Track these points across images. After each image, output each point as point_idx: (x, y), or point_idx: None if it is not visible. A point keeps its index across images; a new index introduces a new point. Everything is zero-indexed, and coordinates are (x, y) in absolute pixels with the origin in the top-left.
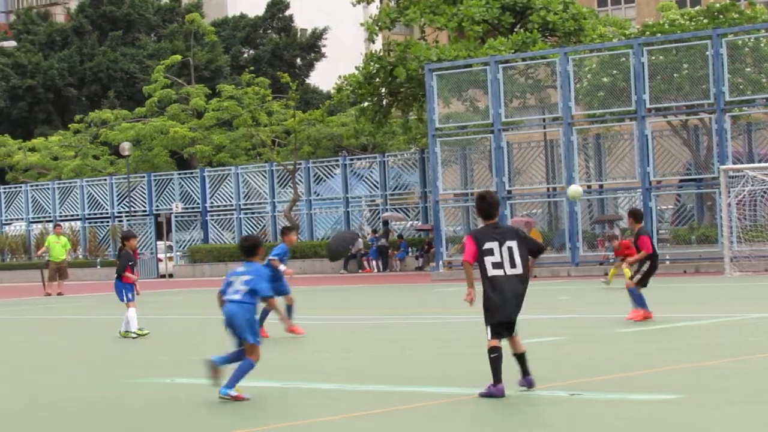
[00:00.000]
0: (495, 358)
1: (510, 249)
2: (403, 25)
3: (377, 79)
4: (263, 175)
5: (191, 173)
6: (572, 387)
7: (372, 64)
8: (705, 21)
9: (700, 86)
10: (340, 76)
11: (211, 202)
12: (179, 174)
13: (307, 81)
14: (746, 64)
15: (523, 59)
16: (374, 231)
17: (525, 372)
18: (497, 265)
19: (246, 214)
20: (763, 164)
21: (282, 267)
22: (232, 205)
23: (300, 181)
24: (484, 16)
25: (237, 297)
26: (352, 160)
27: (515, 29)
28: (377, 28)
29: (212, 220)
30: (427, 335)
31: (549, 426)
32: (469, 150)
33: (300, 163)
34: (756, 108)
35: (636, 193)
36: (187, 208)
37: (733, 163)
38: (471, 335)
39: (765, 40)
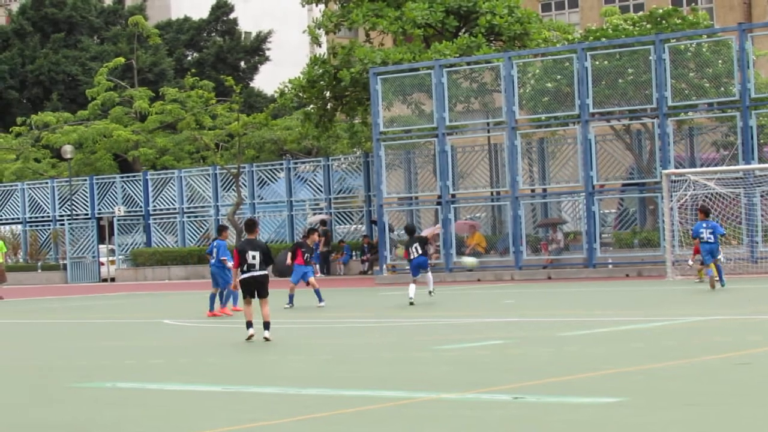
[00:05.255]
0: None
1: None
2: (347, 29)
3: (321, 83)
4: (206, 179)
5: (134, 176)
6: (515, 390)
7: (316, 67)
8: (648, 26)
9: (643, 91)
10: (282, 82)
11: (154, 206)
12: (122, 177)
13: (252, 84)
14: (689, 69)
15: (468, 63)
16: (320, 235)
17: None
18: None
19: (189, 217)
20: (705, 169)
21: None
22: (175, 209)
23: (243, 184)
24: (427, 19)
25: None
26: (296, 163)
27: (460, 33)
28: (320, 32)
29: (155, 223)
30: (369, 338)
31: (491, 430)
32: (413, 154)
33: (244, 167)
34: (698, 113)
35: (579, 197)
36: (129, 212)
37: (676, 167)
38: (416, 338)
39: (707, 46)
